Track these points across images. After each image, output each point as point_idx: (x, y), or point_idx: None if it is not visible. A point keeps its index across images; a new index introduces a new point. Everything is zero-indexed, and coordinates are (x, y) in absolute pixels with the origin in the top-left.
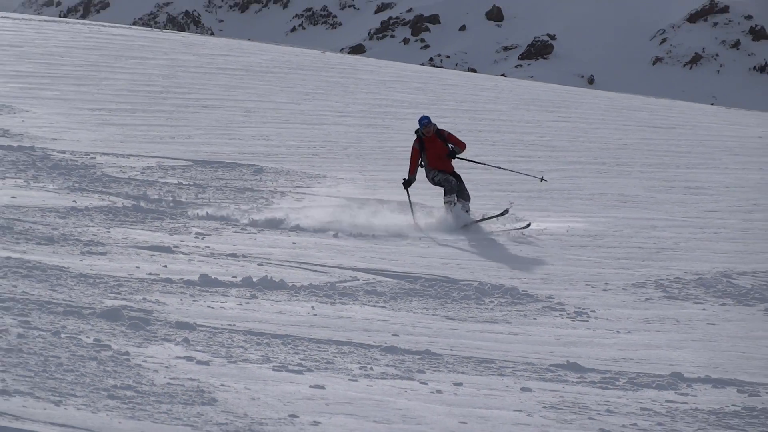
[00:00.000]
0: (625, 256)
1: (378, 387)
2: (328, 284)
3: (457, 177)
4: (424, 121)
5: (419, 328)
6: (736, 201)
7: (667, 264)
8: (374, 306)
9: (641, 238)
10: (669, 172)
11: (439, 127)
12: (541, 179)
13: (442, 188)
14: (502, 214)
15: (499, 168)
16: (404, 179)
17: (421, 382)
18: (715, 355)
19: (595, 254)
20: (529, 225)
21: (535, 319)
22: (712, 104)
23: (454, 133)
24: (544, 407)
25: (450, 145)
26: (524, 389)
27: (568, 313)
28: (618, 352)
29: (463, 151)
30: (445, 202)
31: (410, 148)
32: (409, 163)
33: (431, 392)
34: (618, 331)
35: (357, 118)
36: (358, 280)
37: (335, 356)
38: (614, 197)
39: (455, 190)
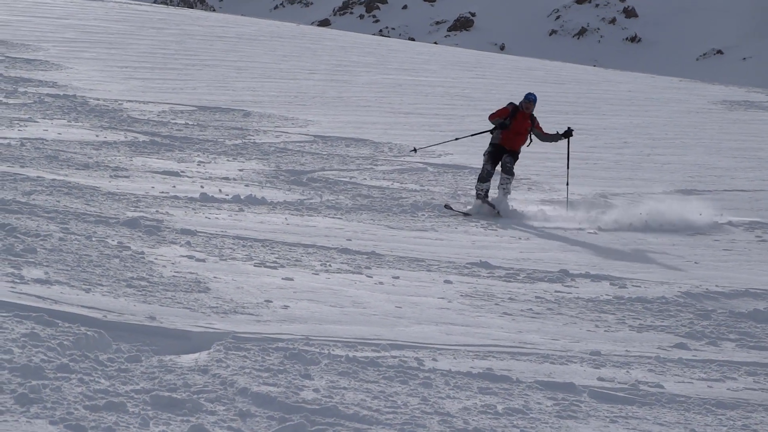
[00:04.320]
0: (527, 182)
1: (334, 279)
2: (298, 201)
3: (513, 155)
4: (532, 98)
5: (367, 234)
6: (611, 139)
7: (557, 187)
8: (333, 217)
9: (538, 168)
10: (560, 117)
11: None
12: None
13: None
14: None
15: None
16: (499, 120)
17: (367, 276)
18: (594, 256)
19: None
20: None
21: (456, 228)
22: (594, 66)
23: (542, 125)
24: (462, 295)
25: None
26: (446, 281)
27: (481, 224)
28: (519, 254)
29: (546, 134)
30: (476, 187)
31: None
32: (496, 113)
33: (375, 283)
34: (519, 238)
35: (323, 75)
36: (321, 198)
37: (302, 255)
38: None
39: (486, 180)
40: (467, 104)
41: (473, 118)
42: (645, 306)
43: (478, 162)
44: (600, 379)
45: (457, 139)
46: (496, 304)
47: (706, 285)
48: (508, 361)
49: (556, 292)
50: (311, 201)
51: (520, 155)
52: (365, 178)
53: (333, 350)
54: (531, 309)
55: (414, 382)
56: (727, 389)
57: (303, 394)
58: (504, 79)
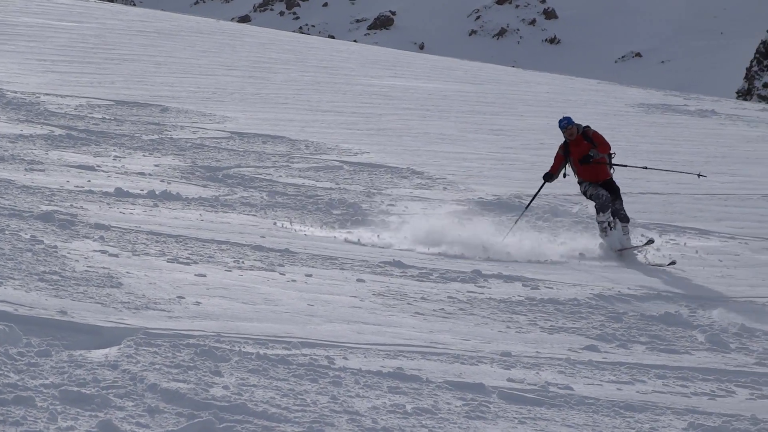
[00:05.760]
0: (442, 182)
1: (247, 276)
2: (213, 197)
3: (613, 189)
4: (563, 123)
5: (281, 231)
6: (528, 140)
7: (473, 187)
8: (248, 214)
9: (454, 168)
10: (477, 117)
11: (570, 124)
12: (699, 175)
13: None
14: (647, 244)
15: (646, 168)
16: (547, 173)
17: (280, 273)
18: (506, 257)
19: (419, 180)
20: (674, 263)
21: (370, 227)
22: (513, 66)
23: (599, 132)
24: (374, 294)
25: (591, 152)
26: (359, 280)
27: (395, 224)
28: (432, 253)
29: (605, 154)
30: (597, 222)
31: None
32: (553, 166)
33: (287, 281)
34: (434, 238)
35: (241, 71)
36: (236, 194)
37: (216, 252)
38: (435, 136)
39: (608, 207)
40: (385, 103)
41: (391, 117)
42: (557, 307)
43: (394, 161)
44: (510, 380)
45: (527, 206)
46: (409, 304)
47: (618, 287)
48: (419, 361)
49: (468, 292)
50: (226, 197)
51: (617, 184)
52: (281, 176)
53: (244, 347)
54: (443, 309)
55: (324, 381)
56: (636, 392)
57: (212, 391)
58: (423, 78)
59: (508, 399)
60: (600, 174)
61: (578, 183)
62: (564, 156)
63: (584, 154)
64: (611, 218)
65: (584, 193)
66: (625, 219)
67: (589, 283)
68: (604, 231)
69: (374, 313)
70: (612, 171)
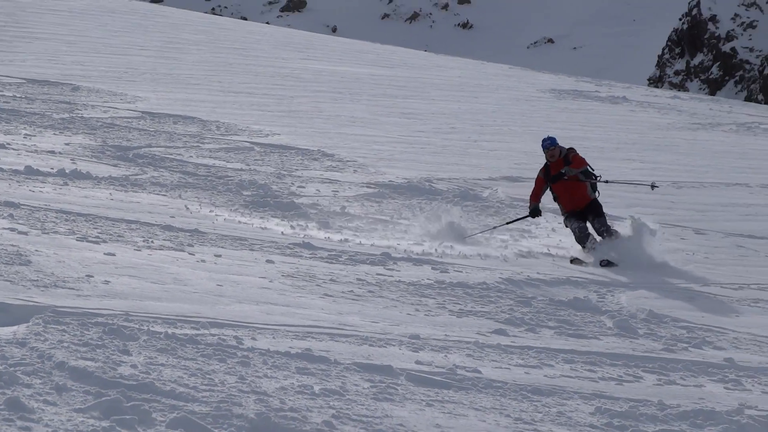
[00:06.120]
0: (353, 165)
1: (156, 256)
2: (124, 176)
3: (593, 209)
4: (546, 143)
5: (191, 211)
6: (439, 124)
7: (384, 171)
8: (158, 194)
9: (365, 151)
10: (389, 100)
11: (555, 144)
12: (652, 186)
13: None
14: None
15: (607, 182)
16: (531, 207)
17: (189, 253)
18: (415, 240)
19: (330, 162)
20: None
21: (280, 209)
22: (425, 51)
23: (579, 153)
24: (283, 275)
25: (564, 169)
26: (268, 261)
27: (305, 204)
28: (342, 236)
29: (578, 170)
30: (586, 248)
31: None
32: (533, 192)
33: (197, 261)
34: (344, 220)
35: (153, 51)
36: (147, 174)
37: (125, 231)
38: (346, 118)
39: (584, 239)
40: (297, 85)
41: (302, 99)
42: (466, 291)
43: (304, 143)
44: (418, 362)
45: (507, 223)
46: (318, 285)
47: (528, 272)
48: (327, 342)
49: (377, 275)
50: (137, 177)
51: (600, 202)
52: (191, 156)
53: (152, 327)
54: (352, 291)
55: (232, 361)
56: (544, 376)
57: (120, 370)
58: (335, 61)
59: (416, 381)
60: (576, 198)
61: (561, 210)
62: (545, 179)
63: (568, 183)
64: (594, 244)
65: (564, 223)
66: (609, 234)
67: (498, 267)
68: (591, 255)
69: (283, 294)
70: (596, 194)
